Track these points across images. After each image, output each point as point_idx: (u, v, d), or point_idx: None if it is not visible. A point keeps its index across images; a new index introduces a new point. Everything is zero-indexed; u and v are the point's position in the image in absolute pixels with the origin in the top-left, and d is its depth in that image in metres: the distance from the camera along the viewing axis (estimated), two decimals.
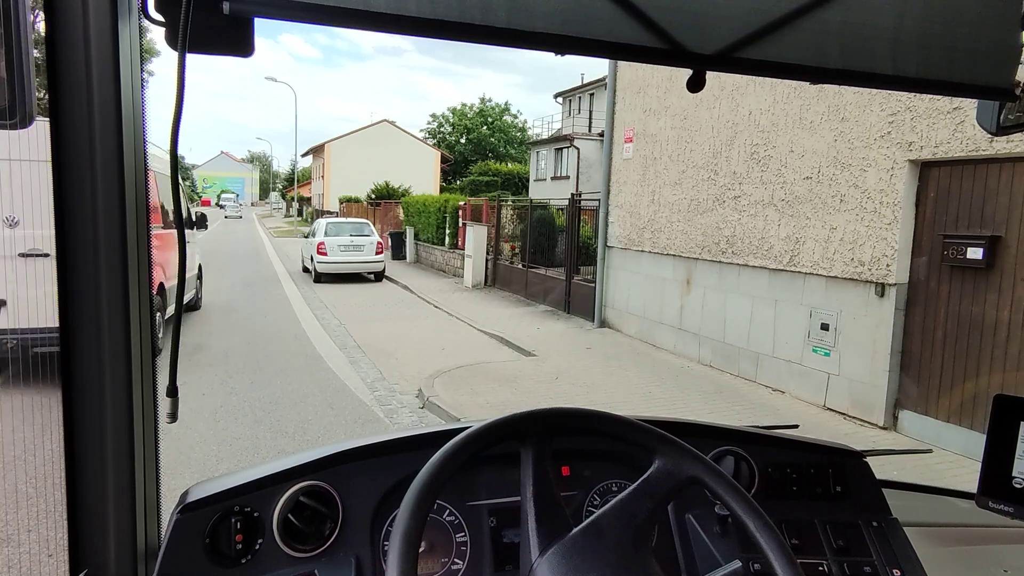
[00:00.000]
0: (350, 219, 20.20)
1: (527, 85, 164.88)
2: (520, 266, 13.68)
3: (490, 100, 52.53)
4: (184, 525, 1.01)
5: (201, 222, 10.84)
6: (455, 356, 8.21)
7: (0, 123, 0.74)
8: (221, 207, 68.85)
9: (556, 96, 33.46)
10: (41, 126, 0.79)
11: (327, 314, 11.47)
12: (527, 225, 13.49)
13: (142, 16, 0.81)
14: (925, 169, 5.59)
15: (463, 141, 47.82)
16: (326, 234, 16.36)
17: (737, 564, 0.97)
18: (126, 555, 0.96)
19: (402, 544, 0.76)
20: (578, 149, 25.51)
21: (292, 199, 55.38)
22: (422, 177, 38.61)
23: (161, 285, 7.56)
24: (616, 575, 0.83)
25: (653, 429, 0.96)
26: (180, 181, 0.88)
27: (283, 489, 1.07)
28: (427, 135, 48.45)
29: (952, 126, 5.24)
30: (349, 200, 33.90)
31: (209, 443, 5.19)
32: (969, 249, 5.16)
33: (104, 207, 0.88)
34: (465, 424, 1.02)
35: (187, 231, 6.99)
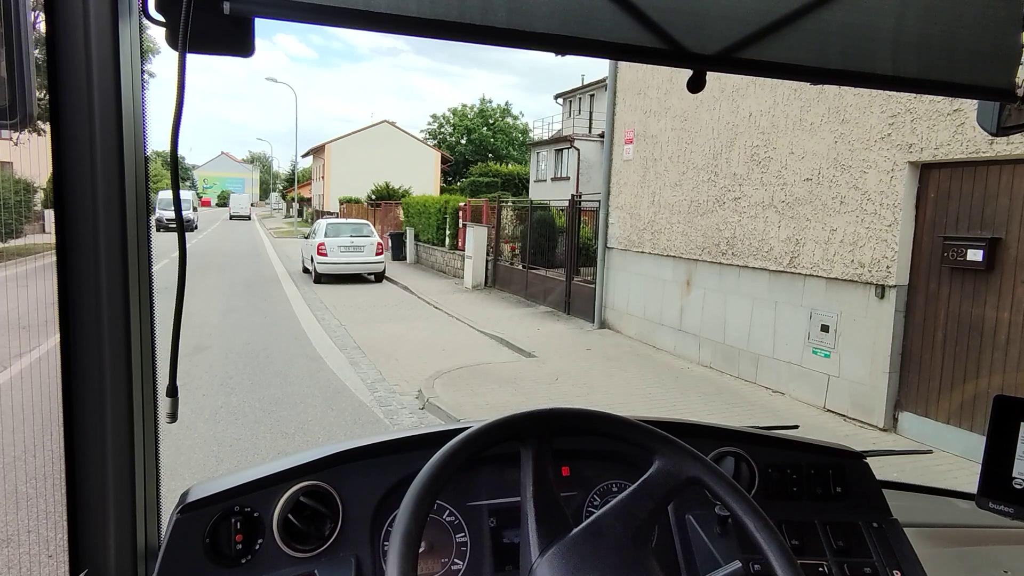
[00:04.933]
0: (350, 220, 20.19)
1: (524, 86, 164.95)
2: (520, 267, 13.68)
3: (491, 101, 52.65)
4: (184, 525, 1.01)
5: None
6: (455, 357, 8.20)
7: (0, 123, 0.74)
8: (224, 204, 68.27)
9: (556, 97, 33.51)
10: None
11: (327, 315, 11.46)
12: (527, 226, 13.48)
13: (142, 16, 0.81)
14: (925, 171, 5.59)
15: (464, 142, 47.82)
16: (326, 235, 16.37)
17: (737, 565, 0.97)
18: (126, 555, 0.96)
19: (402, 544, 0.76)
20: (578, 150, 25.52)
21: (292, 200, 55.35)
22: (422, 178, 38.62)
23: None
24: (616, 575, 0.83)
25: (653, 429, 0.96)
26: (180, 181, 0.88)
27: (283, 489, 1.07)
28: (427, 136, 48.46)
29: (952, 128, 5.24)
30: (349, 201, 33.88)
31: (209, 443, 5.19)
32: (969, 251, 5.16)
33: (104, 207, 0.88)
34: (465, 424, 1.02)
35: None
